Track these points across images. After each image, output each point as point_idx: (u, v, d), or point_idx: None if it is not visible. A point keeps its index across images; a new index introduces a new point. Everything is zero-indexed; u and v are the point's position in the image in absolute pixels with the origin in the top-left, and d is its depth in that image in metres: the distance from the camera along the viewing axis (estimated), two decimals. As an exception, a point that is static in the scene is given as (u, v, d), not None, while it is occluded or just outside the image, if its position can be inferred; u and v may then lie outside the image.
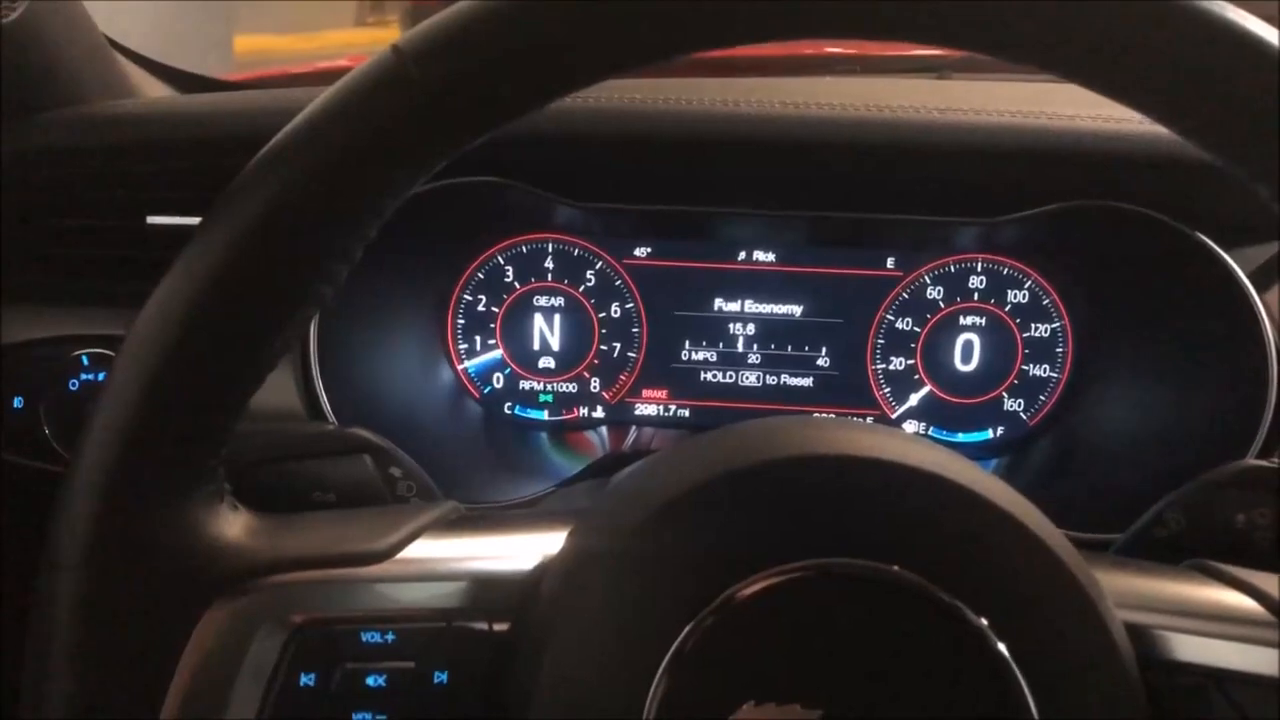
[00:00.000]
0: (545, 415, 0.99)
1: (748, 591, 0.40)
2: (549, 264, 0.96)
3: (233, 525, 0.44)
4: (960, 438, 0.97)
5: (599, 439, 0.99)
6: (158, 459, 0.41)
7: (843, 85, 0.88)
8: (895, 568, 0.41)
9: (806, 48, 1.08)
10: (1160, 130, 0.40)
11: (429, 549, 0.47)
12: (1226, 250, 0.79)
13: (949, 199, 0.84)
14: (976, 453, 0.97)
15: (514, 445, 0.98)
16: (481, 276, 0.96)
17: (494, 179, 0.82)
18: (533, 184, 0.84)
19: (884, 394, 0.97)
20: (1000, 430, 0.97)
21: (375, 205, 0.41)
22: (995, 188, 0.81)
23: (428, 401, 0.95)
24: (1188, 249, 0.79)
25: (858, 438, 0.43)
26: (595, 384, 0.98)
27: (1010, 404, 0.96)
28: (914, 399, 0.97)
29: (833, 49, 1.06)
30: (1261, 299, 0.78)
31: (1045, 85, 0.85)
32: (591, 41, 0.38)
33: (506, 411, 0.99)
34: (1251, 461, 0.60)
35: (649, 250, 0.95)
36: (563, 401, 0.99)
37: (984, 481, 0.42)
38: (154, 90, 0.94)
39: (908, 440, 0.45)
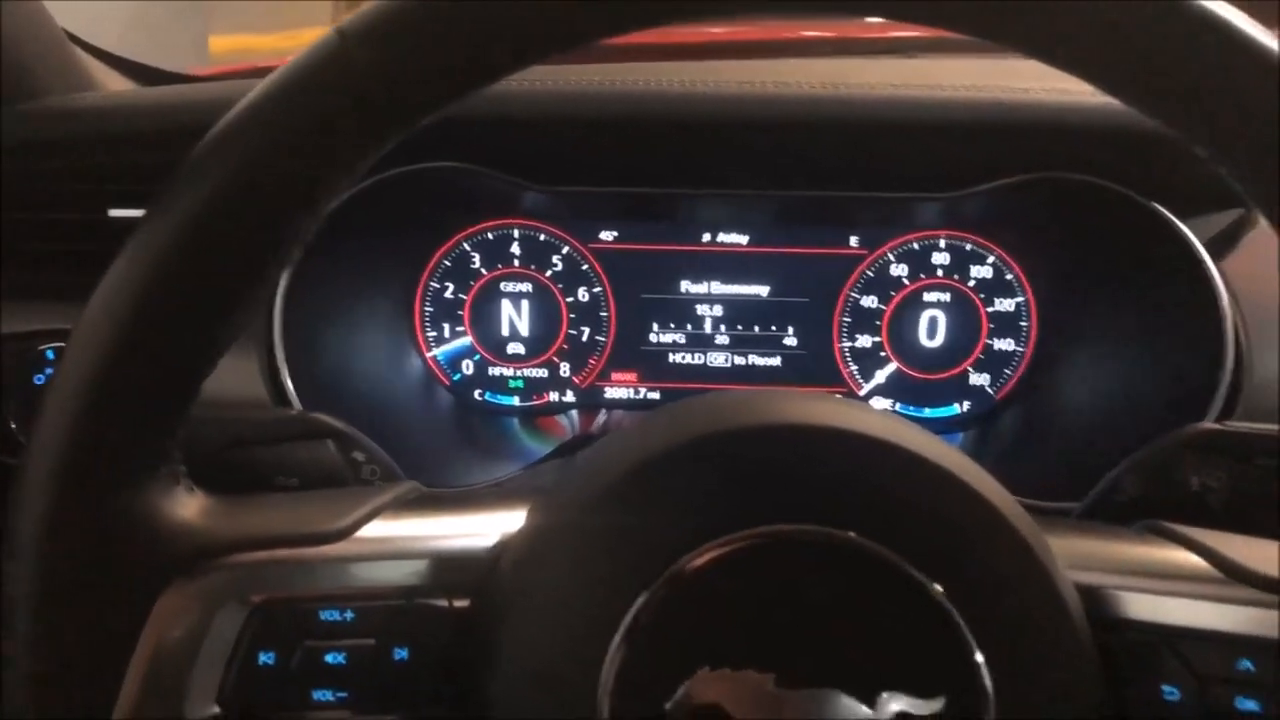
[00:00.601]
0: (516, 401, 0.99)
1: (699, 561, 0.41)
2: (515, 250, 0.96)
3: (188, 507, 0.44)
4: (928, 413, 0.98)
5: (570, 423, 1.00)
6: (111, 444, 0.41)
7: (804, 66, 0.89)
8: (844, 533, 0.41)
9: (783, 31, 1.08)
10: (1115, 102, 0.40)
11: (388, 528, 0.47)
12: (1183, 219, 0.79)
13: (909, 175, 0.84)
14: (944, 427, 0.98)
15: (485, 431, 0.98)
16: (448, 264, 0.96)
17: (457, 164, 0.82)
18: (497, 169, 0.84)
19: (851, 371, 0.97)
20: (967, 405, 0.98)
21: (325, 186, 0.41)
22: (953, 163, 0.82)
23: (398, 389, 0.95)
24: (1144, 219, 0.80)
25: (807, 407, 0.44)
26: (565, 369, 0.99)
27: (976, 379, 0.97)
28: (881, 376, 0.97)
29: (807, 33, 1.07)
30: (1218, 267, 0.78)
31: (1007, 62, 0.86)
32: (536, 19, 0.39)
33: (477, 398, 0.99)
34: (1203, 425, 0.60)
35: (615, 234, 0.95)
36: (533, 387, 0.99)
37: (933, 447, 0.43)
38: (115, 84, 0.93)
39: (855, 408, 0.45)
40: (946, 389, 0.98)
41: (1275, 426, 0.60)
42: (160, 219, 0.40)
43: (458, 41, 0.39)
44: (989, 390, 0.97)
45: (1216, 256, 0.79)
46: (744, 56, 1.00)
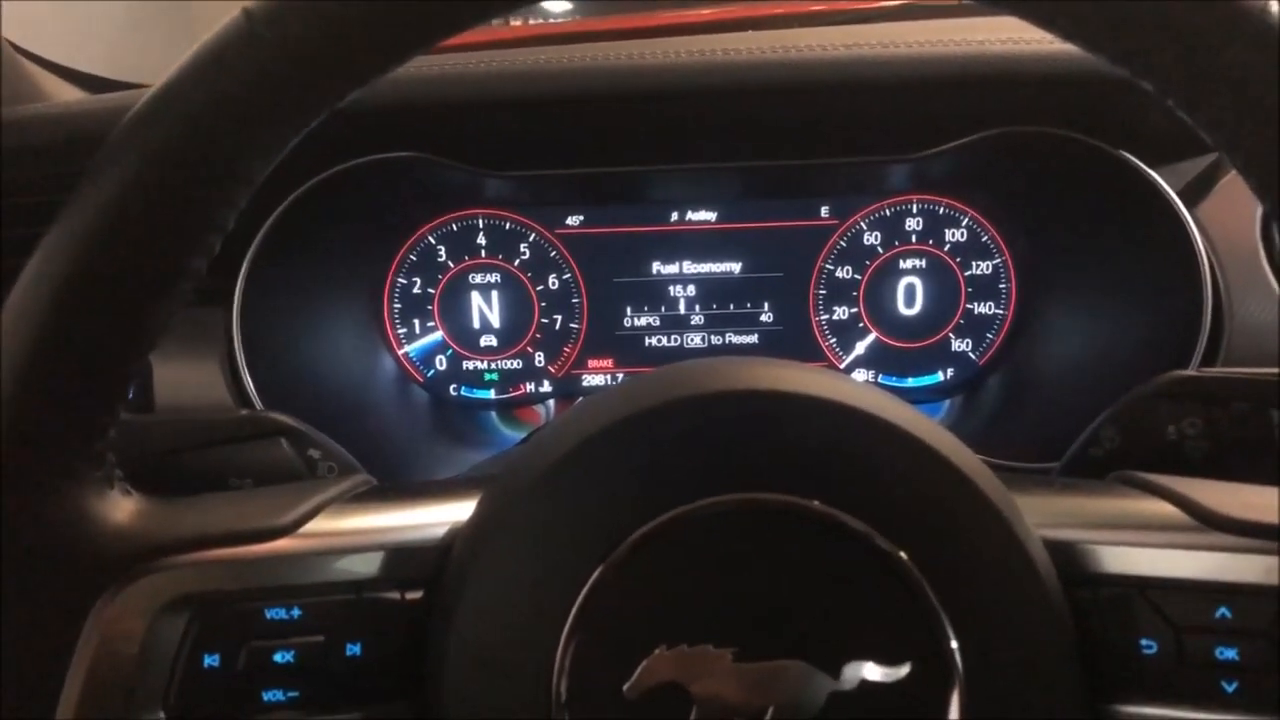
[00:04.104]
0: (492, 394, 0.98)
1: (651, 535, 0.40)
2: (481, 240, 0.95)
3: (124, 510, 0.43)
4: (911, 382, 0.97)
5: (547, 412, 0.98)
6: (37, 450, 0.40)
7: (758, 36, 0.87)
8: (805, 500, 0.40)
9: (771, 8, 1.06)
10: (1071, 49, 0.38)
11: (335, 522, 0.46)
12: (1154, 167, 0.78)
13: (873, 139, 0.83)
14: (929, 396, 0.97)
15: (463, 425, 0.97)
16: (414, 258, 0.95)
17: (415, 154, 0.81)
18: (455, 158, 0.82)
19: (830, 345, 0.96)
20: (951, 372, 0.96)
21: (240, 171, 0.40)
22: (915, 123, 0.80)
23: (371, 388, 0.93)
24: (1114, 168, 0.78)
25: (759, 373, 0.42)
26: (540, 358, 0.97)
27: (958, 344, 0.96)
28: (861, 347, 0.96)
29: (794, 8, 1.05)
30: (1192, 214, 0.77)
31: (972, 21, 0.84)
32: None
33: (452, 393, 0.98)
34: (1177, 372, 0.59)
35: (581, 218, 0.94)
36: (508, 379, 0.98)
37: (893, 408, 0.41)
38: (66, 95, 0.92)
39: (810, 372, 0.44)
40: (929, 357, 0.96)
41: (1250, 370, 0.59)
42: (74, 212, 0.39)
43: (365, 17, 0.37)
44: (972, 356, 0.96)
45: (1191, 203, 0.78)
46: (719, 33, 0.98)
